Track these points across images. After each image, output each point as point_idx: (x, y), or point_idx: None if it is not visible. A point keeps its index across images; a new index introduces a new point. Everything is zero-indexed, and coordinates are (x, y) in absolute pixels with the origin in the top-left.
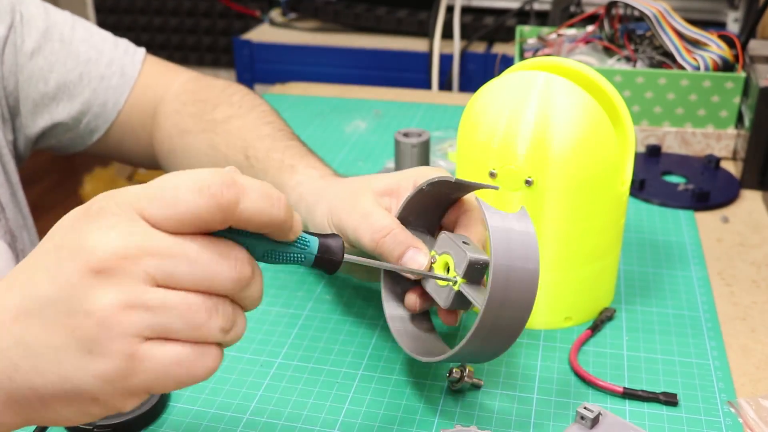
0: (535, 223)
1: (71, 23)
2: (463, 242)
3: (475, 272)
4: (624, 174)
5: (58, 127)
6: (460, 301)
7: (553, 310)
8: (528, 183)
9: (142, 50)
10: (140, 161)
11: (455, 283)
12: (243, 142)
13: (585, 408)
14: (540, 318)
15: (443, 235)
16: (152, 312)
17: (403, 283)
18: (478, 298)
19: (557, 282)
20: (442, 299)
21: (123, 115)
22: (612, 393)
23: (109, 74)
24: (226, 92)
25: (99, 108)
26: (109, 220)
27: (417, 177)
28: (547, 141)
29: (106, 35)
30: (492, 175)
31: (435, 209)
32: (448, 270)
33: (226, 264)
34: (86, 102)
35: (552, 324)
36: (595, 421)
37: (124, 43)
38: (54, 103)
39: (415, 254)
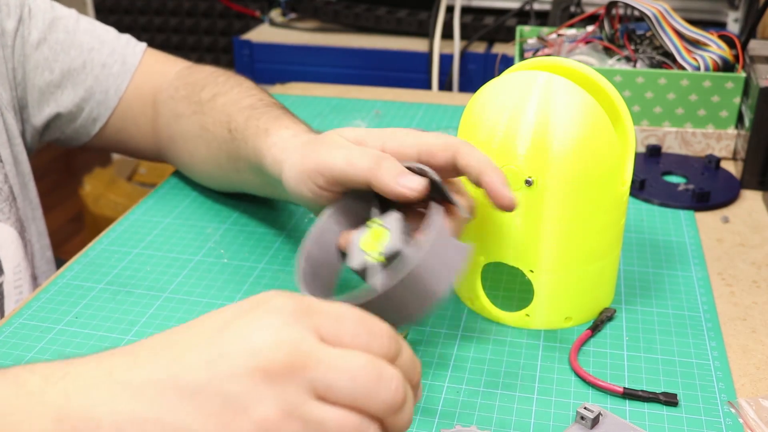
0: (535, 223)
1: (76, 17)
2: (405, 231)
3: (395, 262)
4: (624, 174)
5: (62, 116)
6: (364, 274)
7: (553, 310)
8: (528, 183)
9: (143, 44)
10: (142, 152)
11: (374, 257)
12: (226, 117)
13: (585, 408)
14: (540, 318)
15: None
16: (309, 426)
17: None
18: (377, 282)
19: (557, 282)
20: (354, 260)
21: (124, 102)
22: (612, 393)
23: (111, 62)
24: (213, 74)
25: (101, 95)
26: (280, 322)
27: (385, 138)
28: (547, 141)
29: (110, 29)
30: None
31: None
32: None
33: (383, 385)
34: (89, 89)
35: (552, 324)
36: (595, 421)
37: (126, 37)
38: (59, 90)
39: (411, 176)
